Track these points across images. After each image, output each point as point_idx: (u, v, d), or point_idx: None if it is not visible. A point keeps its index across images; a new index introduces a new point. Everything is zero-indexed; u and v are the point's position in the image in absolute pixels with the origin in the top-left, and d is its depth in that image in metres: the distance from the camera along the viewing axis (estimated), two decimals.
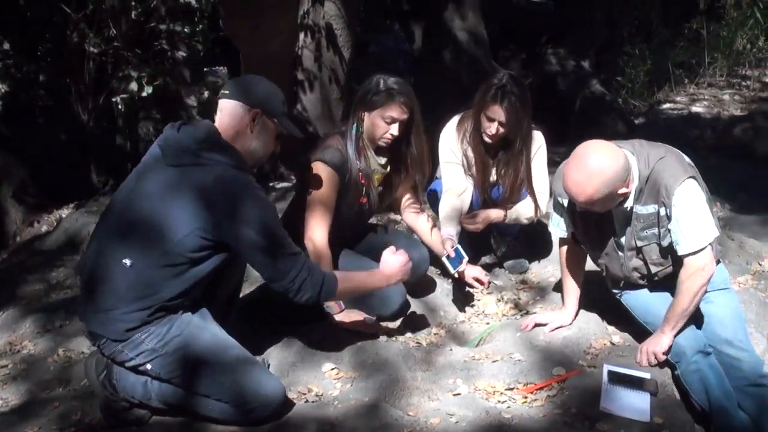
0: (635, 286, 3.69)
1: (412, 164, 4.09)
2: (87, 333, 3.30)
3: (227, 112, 3.22)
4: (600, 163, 3.21)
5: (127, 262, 3.06)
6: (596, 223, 3.58)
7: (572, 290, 3.91)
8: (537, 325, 3.90)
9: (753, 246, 4.80)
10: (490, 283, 4.39)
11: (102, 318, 3.11)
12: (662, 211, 3.35)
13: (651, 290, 3.67)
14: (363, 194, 3.99)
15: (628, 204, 3.41)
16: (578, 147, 3.32)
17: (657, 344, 3.49)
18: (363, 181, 3.95)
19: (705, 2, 11.27)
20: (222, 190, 3.01)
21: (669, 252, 3.47)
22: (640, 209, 3.41)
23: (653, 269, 3.57)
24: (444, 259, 4.10)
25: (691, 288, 3.35)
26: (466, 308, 4.37)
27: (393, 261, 3.57)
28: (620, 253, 3.60)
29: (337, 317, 3.81)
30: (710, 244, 3.34)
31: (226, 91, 3.27)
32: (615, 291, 3.78)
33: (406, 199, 4.31)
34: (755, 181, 6.88)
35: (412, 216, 4.34)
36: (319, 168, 3.82)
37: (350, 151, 3.90)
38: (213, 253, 3.13)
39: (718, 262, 3.55)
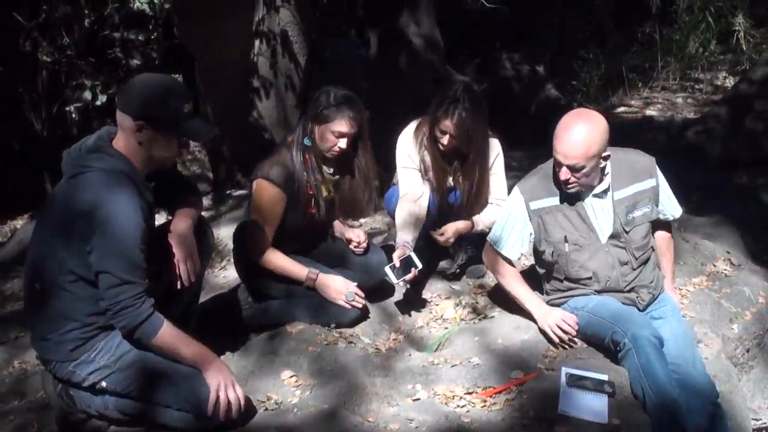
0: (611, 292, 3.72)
1: (360, 175, 4.10)
2: (39, 359, 3.28)
3: (118, 121, 3.07)
4: (591, 120, 3.49)
5: (38, 286, 3.04)
6: (576, 223, 3.66)
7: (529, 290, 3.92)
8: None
9: (707, 247, 4.85)
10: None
11: (44, 344, 3.10)
12: (653, 182, 3.71)
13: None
14: (312, 205, 3.99)
15: (602, 187, 3.61)
16: (564, 118, 3.53)
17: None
18: (310, 192, 3.96)
19: (657, 6, 11.36)
20: (87, 197, 2.88)
21: (648, 230, 3.72)
22: (623, 193, 3.66)
23: (637, 254, 3.66)
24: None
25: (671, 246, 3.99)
26: (424, 313, 4.36)
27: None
28: (606, 249, 3.66)
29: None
30: None
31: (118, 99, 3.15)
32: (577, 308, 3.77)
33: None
34: (708, 183, 6.95)
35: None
36: (264, 186, 3.85)
37: (297, 164, 3.91)
38: None
39: None
